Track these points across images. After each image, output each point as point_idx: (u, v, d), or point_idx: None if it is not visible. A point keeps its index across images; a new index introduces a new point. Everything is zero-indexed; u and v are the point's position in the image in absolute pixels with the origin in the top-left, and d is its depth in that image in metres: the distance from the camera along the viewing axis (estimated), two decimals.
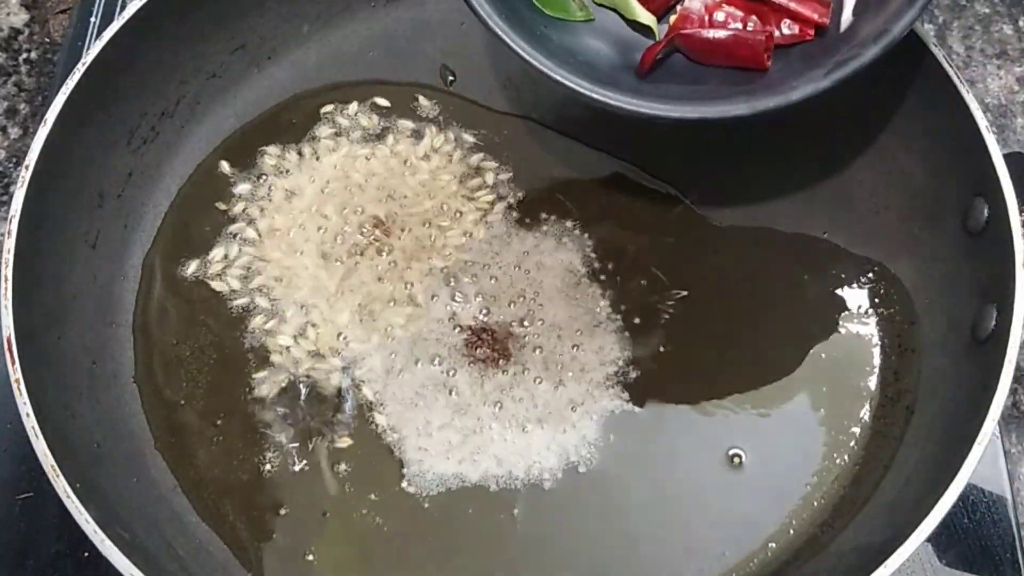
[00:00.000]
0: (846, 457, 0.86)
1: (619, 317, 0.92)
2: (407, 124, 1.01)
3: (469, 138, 1.00)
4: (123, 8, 1.01)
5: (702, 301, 0.93)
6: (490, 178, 0.98)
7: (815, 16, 0.76)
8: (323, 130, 1.01)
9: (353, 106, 1.02)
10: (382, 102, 1.03)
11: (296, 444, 0.87)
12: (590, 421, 0.88)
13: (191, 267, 0.95)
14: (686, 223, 0.96)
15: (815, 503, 0.84)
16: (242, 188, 0.98)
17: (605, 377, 0.89)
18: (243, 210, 0.97)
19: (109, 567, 0.71)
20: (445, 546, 0.84)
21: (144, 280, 0.94)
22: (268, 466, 0.86)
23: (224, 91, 1.02)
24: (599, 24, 0.82)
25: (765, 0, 0.77)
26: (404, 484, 0.85)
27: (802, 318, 0.92)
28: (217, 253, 0.95)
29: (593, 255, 0.94)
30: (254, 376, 0.90)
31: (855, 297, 0.92)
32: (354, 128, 1.01)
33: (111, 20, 0.94)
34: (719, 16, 0.78)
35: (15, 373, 0.77)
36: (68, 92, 0.87)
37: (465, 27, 1.06)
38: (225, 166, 0.99)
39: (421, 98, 1.03)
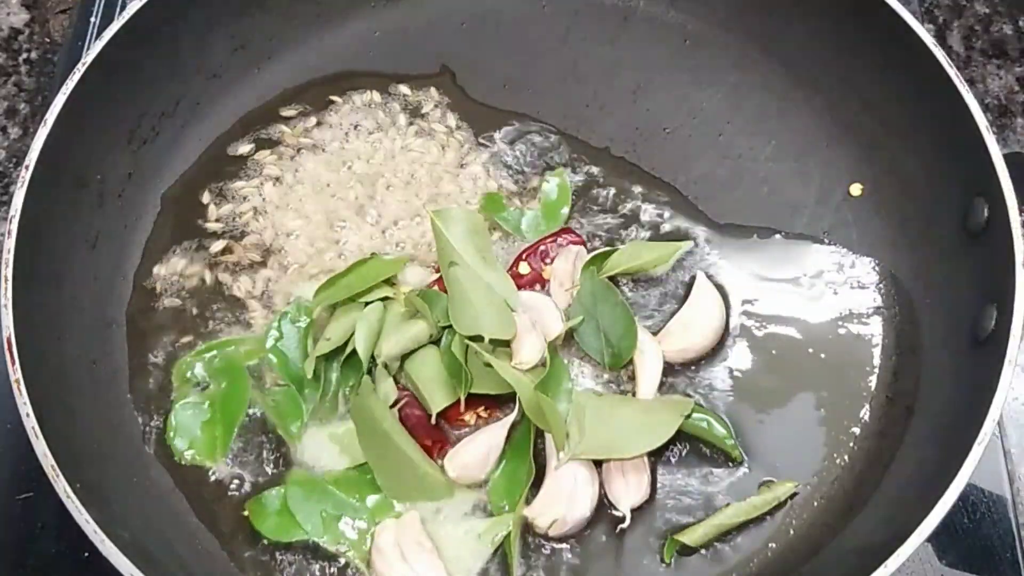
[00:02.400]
0: (846, 457, 0.86)
1: None
2: (407, 122, 1.01)
3: (469, 136, 1.01)
4: (123, 8, 1.02)
5: None
6: (491, 174, 0.98)
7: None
8: (324, 129, 1.01)
9: (353, 105, 1.02)
10: (382, 100, 1.03)
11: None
12: None
13: (191, 267, 0.95)
14: (685, 222, 0.96)
15: (815, 503, 0.84)
16: (242, 187, 0.98)
17: (608, 379, 0.89)
18: (244, 210, 0.97)
19: (109, 567, 0.71)
20: None
21: (144, 280, 0.94)
22: (269, 466, 0.86)
23: (224, 91, 1.02)
24: None
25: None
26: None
27: (802, 318, 0.92)
28: (218, 253, 0.95)
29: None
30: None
31: (855, 297, 0.92)
32: (354, 126, 1.01)
33: (111, 20, 0.94)
34: None
35: (15, 373, 0.77)
36: (68, 92, 0.87)
37: (465, 27, 1.06)
38: (225, 166, 0.99)
39: (421, 97, 1.03)
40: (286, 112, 1.02)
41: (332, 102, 1.02)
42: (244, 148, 1.00)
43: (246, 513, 0.83)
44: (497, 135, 1.00)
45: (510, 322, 0.85)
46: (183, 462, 0.85)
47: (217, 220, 0.97)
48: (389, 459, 0.82)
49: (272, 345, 0.89)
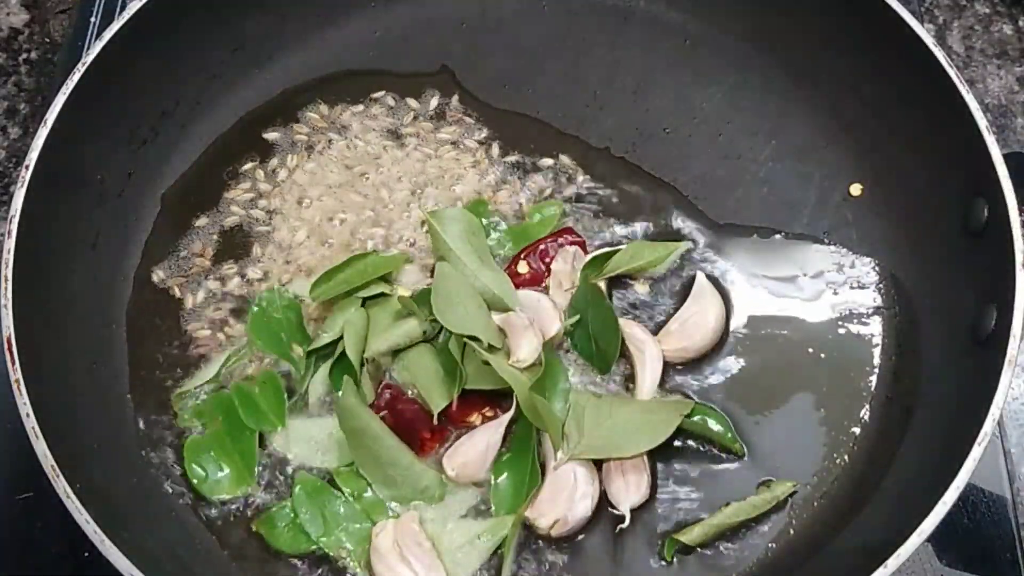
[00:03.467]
0: (846, 457, 0.86)
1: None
2: (406, 122, 1.01)
3: (469, 135, 1.00)
4: (123, 8, 1.02)
5: None
6: (491, 172, 0.98)
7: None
8: (324, 129, 1.01)
9: (352, 105, 1.02)
10: (381, 100, 1.03)
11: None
12: None
13: (192, 267, 0.95)
14: (685, 222, 0.96)
15: (815, 503, 0.84)
16: (242, 187, 0.98)
17: (607, 379, 0.89)
18: (244, 209, 0.97)
19: (109, 567, 0.71)
20: None
21: (143, 280, 0.94)
22: (267, 467, 0.86)
23: (224, 91, 1.02)
24: None
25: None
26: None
27: (802, 318, 0.92)
28: (218, 253, 0.95)
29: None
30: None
31: (855, 297, 0.92)
32: (354, 126, 1.01)
33: (111, 20, 0.94)
34: None
35: (15, 373, 0.77)
36: (68, 92, 0.87)
37: (465, 27, 1.06)
38: (225, 166, 0.99)
39: (421, 96, 1.03)
40: (284, 112, 1.02)
41: (330, 102, 1.03)
42: (246, 147, 1.00)
43: (255, 528, 0.83)
44: (498, 134, 1.01)
45: (493, 328, 0.85)
46: (220, 500, 0.84)
47: (217, 220, 0.97)
48: (382, 463, 0.82)
49: (255, 322, 0.89)
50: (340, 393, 0.83)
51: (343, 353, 0.85)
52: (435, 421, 0.84)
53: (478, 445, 0.83)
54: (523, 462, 0.83)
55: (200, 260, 0.95)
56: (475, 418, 0.86)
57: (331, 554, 0.81)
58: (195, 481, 0.84)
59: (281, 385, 0.87)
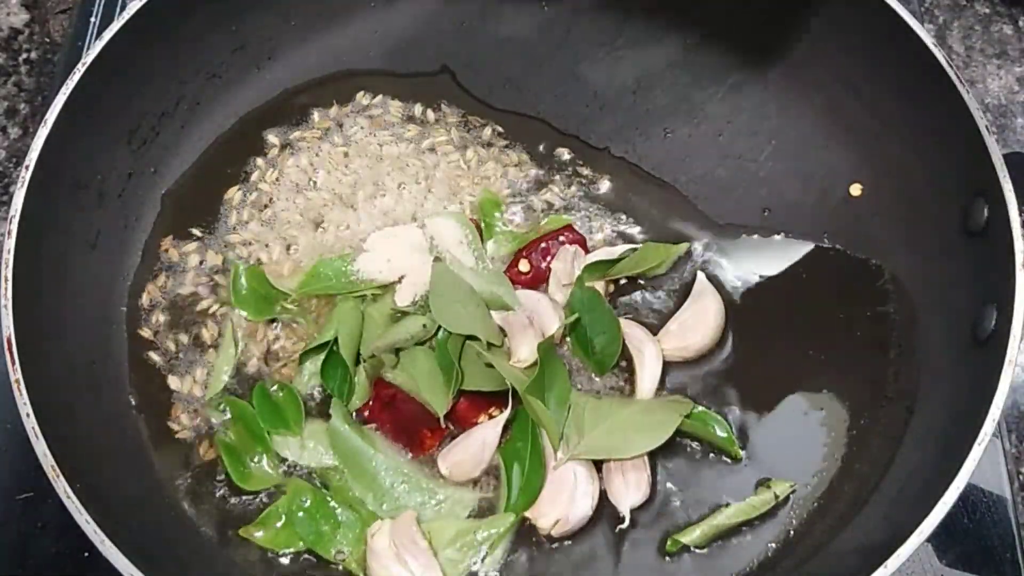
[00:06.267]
0: (846, 457, 0.86)
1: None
2: (406, 122, 1.01)
3: (469, 136, 1.00)
4: (123, 8, 1.02)
5: None
6: (491, 172, 0.98)
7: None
8: (324, 130, 1.01)
9: (353, 105, 1.02)
10: (381, 101, 1.03)
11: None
12: None
13: (191, 268, 0.95)
14: (685, 222, 0.96)
15: (815, 503, 0.84)
16: (241, 187, 0.98)
17: (606, 379, 0.89)
18: (243, 209, 0.97)
19: (109, 567, 0.71)
20: None
21: (143, 280, 0.94)
22: (267, 467, 0.86)
23: (224, 91, 1.02)
24: None
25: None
26: None
27: (802, 319, 0.92)
28: (218, 255, 0.95)
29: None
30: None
31: (855, 297, 0.92)
32: (354, 126, 1.01)
33: (111, 20, 0.94)
34: None
35: (15, 373, 0.77)
36: (68, 92, 0.87)
37: (465, 27, 1.06)
38: (225, 166, 0.99)
39: (421, 96, 1.03)
40: (284, 113, 1.02)
41: (330, 103, 1.03)
42: (246, 147, 1.00)
43: (242, 535, 0.83)
44: (497, 134, 1.00)
45: (492, 326, 0.85)
46: (226, 497, 0.85)
47: (216, 220, 0.97)
48: (378, 481, 0.83)
49: (237, 301, 0.91)
50: (331, 418, 0.84)
51: (335, 351, 0.85)
52: (443, 424, 0.84)
53: (473, 444, 0.83)
54: (523, 462, 0.83)
55: (200, 259, 0.95)
56: (483, 419, 0.86)
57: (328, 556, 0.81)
58: (236, 477, 0.85)
59: (299, 395, 0.87)
